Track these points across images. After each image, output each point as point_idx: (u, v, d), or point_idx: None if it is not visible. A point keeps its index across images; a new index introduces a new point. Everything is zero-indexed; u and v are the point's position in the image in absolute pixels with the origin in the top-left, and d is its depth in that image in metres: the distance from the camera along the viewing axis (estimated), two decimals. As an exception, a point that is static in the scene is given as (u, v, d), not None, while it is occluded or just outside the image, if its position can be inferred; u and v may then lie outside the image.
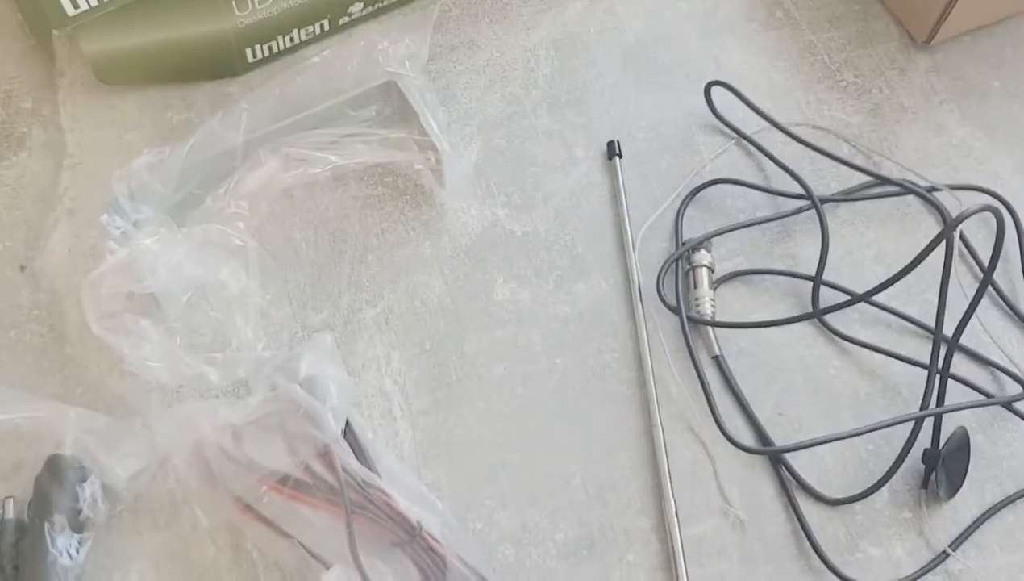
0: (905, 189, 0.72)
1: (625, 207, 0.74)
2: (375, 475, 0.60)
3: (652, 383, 0.67)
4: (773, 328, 0.68)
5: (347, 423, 0.62)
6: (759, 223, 0.73)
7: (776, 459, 0.64)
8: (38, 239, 0.71)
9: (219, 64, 0.76)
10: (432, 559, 0.58)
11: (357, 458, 0.60)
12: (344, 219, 0.73)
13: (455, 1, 0.83)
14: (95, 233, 0.69)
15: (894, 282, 0.59)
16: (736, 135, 0.77)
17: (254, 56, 0.77)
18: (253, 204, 0.71)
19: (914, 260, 0.58)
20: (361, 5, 0.79)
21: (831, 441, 0.63)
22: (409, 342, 0.69)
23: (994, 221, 0.60)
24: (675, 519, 0.62)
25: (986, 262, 0.67)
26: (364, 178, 0.75)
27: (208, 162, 0.70)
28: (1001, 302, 0.71)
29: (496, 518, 0.63)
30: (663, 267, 0.71)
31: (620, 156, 0.76)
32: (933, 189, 0.75)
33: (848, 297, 0.64)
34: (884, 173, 0.74)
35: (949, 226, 0.57)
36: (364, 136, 0.73)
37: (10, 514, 0.60)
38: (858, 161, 0.76)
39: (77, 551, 0.58)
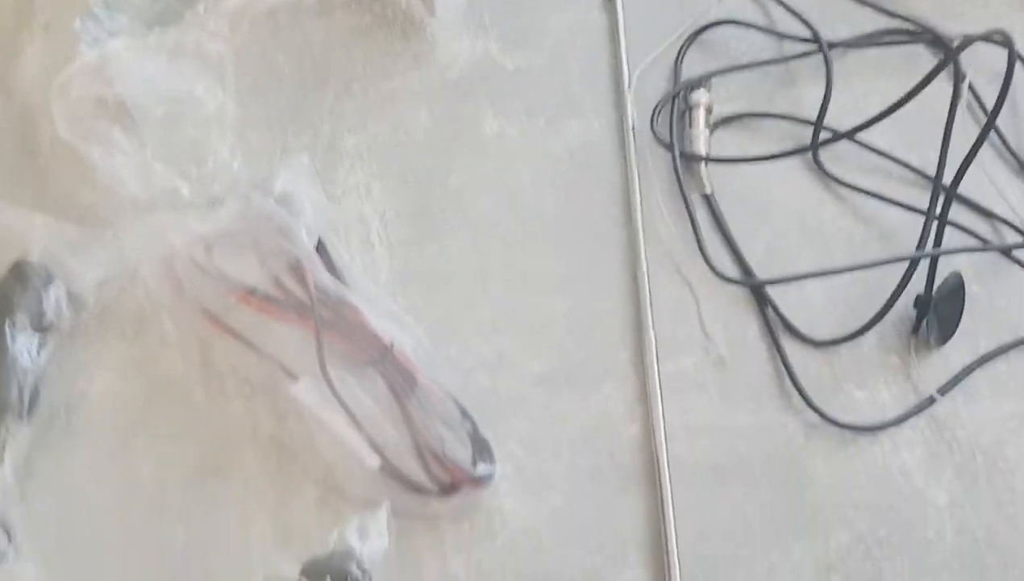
0: (914, 34, 0.69)
1: (624, 45, 0.71)
2: (346, 290, 0.59)
3: (640, 220, 0.65)
4: (769, 170, 0.66)
5: (320, 241, 0.60)
6: (762, 65, 0.70)
7: (761, 298, 0.62)
8: (13, 55, 0.68)
9: None
10: (403, 376, 0.57)
11: (329, 271, 0.59)
12: (329, 46, 0.70)
13: None
14: (69, 45, 0.66)
15: (889, 114, 0.57)
16: (743, -22, 0.74)
17: None
18: (234, 23, 0.68)
19: (913, 89, 0.56)
20: None
21: (817, 276, 0.61)
22: (391, 173, 0.67)
23: (1002, 78, 0.57)
24: (654, 351, 0.60)
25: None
26: (352, 5, 0.72)
27: (189, -24, 0.67)
28: (1007, 153, 0.68)
29: (472, 345, 0.61)
30: (658, 104, 0.68)
31: (621, -7, 0.73)
32: (944, 39, 0.72)
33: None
34: (895, 21, 0.71)
35: (954, 51, 0.54)
36: (353, -38, 0.70)
37: (-28, 315, 0.58)
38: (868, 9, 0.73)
39: (38, 352, 0.57)
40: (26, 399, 0.56)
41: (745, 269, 0.63)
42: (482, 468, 0.55)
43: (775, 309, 0.62)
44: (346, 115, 0.68)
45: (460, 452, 0.55)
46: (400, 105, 0.69)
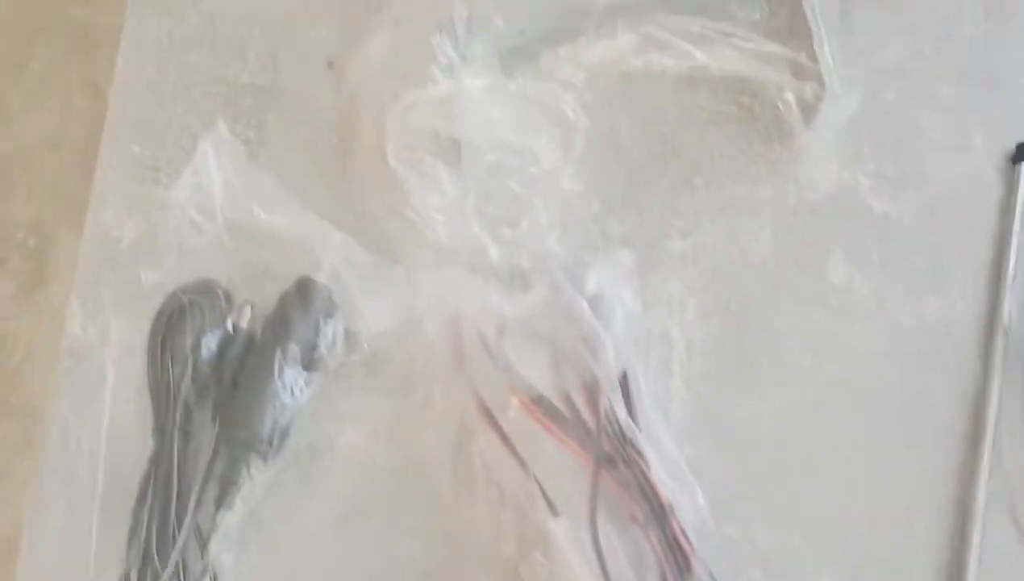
0: None
1: (1018, 223, 0.60)
2: (638, 434, 0.51)
3: (988, 440, 0.54)
4: None
5: (625, 373, 0.52)
6: None
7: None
8: (354, 39, 0.64)
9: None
10: (675, 554, 0.49)
11: (627, 409, 0.51)
12: (682, 127, 0.62)
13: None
14: (416, 51, 0.61)
15: None
16: None
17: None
18: (591, 77, 0.61)
19: None
20: None
21: None
22: (712, 292, 0.58)
23: None
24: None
25: None
26: (719, 89, 0.63)
27: (560, 13, 0.61)
28: None
29: (753, 530, 0.53)
30: (1048, 315, 0.57)
31: (1029, 163, 0.61)
32: None
33: None
34: None
35: None
36: (739, 39, 0.62)
37: (244, 322, 0.54)
38: None
39: (301, 391, 0.52)
40: (276, 441, 0.51)
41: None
42: None
43: None
44: (680, 210, 0.60)
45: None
46: (742, 215, 0.60)
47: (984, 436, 0.55)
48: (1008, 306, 0.58)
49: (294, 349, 0.52)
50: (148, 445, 0.53)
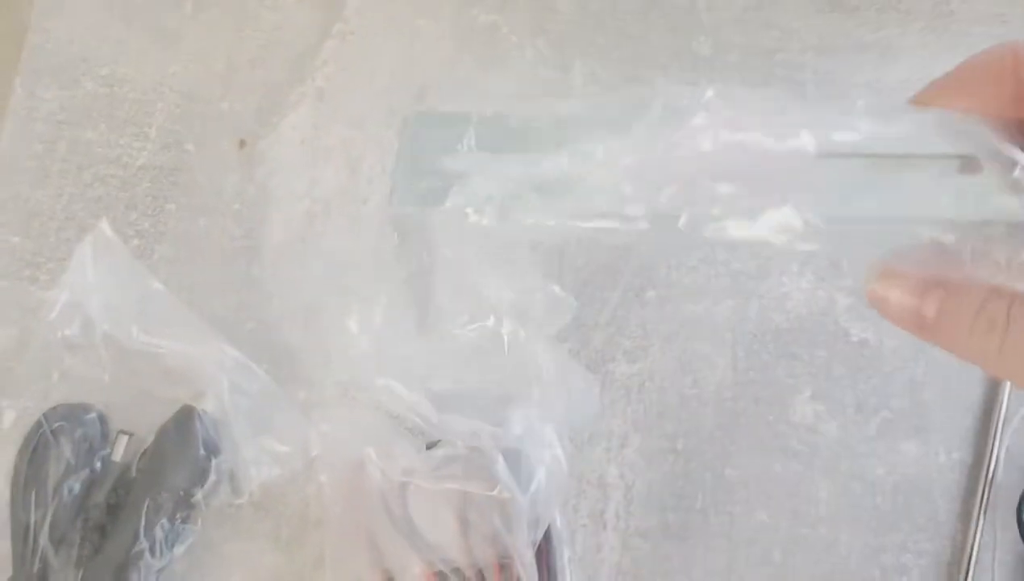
0: None
1: (1014, 363, 0.52)
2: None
3: (962, 630, 0.47)
4: None
5: (548, 533, 0.45)
6: None
7: None
8: (272, 113, 0.56)
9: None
10: None
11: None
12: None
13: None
14: (344, 132, 0.54)
15: None
16: None
17: None
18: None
19: None
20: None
21: None
22: (659, 429, 0.51)
23: None
24: None
25: None
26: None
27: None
28: None
29: None
30: (1041, 479, 0.50)
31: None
32: None
33: None
34: None
35: None
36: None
37: (118, 456, 0.48)
38: None
39: (172, 547, 0.46)
40: (138, 607, 0.45)
41: None
42: None
43: None
44: (629, 329, 0.53)
45: None
46: (698, 340, 0.53)
47: (961, 617, 0.48)
48: (995, 456, 0.50)
49: (167, 498, 0.46)
50: (3, 598, 0.46)
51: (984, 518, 0.49)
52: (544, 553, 0.45)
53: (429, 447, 0.47)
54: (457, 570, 0.44)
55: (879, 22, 0.59)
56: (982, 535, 0.49)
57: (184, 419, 0.47)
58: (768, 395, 0.52)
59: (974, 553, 0.49)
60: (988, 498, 0.49)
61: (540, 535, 0.45)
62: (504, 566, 0.44)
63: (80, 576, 0.46)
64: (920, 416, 0.52)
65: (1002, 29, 0.59)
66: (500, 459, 0.45)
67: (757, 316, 0.53)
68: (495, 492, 0.44)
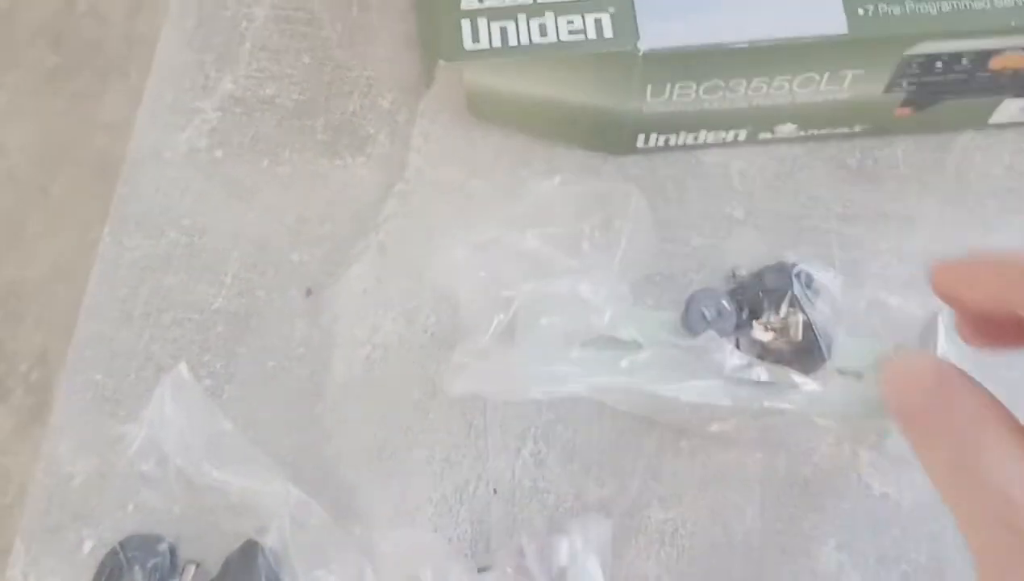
0: None
1: None
2: None
3: None
4: None
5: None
6: None
7: None
8: (337, 264, 0.62)
9: (600, 137, 0.63)
10: None
11: None
12: (673, 382, 0.59)
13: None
14: (397, 283, 0.59)
15: None
16: None
17: (645, 142, 0.63)
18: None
19: None
20: (794, 127, 0.63)
21: None
22: (690, 574, 0.54)
23: None
24: None
25: None
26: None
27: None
28: None
29: None
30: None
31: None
32: None
33: None
34: None
35: None
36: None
37: (187, 585, 0.51)
38: None
39: None
40: None
41: None
42: None
43: None
44: (663, 477, 0.57)
45: None
46: (729, 488, 0.56)
47: None
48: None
49: (229, 632, 0.49)
50: None
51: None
52: None
53: (481, 571, 0.50)
54: None
55: (900, 192, 0.63)
56: None
57: (248, 552, 0.51)
58: (794, 545, 0.55)
59: None
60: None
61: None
62: None
63: None
64: (937, 570, 0.54)
65: (1016, 201, 0.63)
66: (546, 592, 0.48)
67: (785, 468, 0.57)
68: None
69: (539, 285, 0.51)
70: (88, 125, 1.28)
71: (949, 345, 0.54)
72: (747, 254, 0.61)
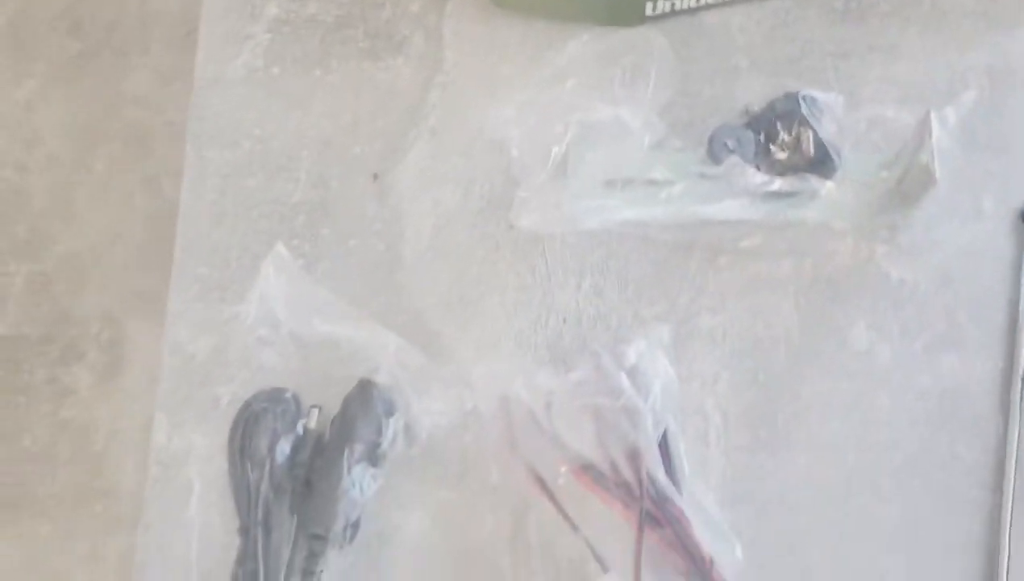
0: None
1: (1029, 282, 0.63)
2: (677, 494, 0.55)
3: (1011, 491, 0.57)
4: None
5: (665, 436, 0.57)
6: None
7: None
8: (395, 151, 0.69)
9: (614, 11, 0.71)
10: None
11: (666, 471, 0.56)
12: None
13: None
14: (450, 161, 0.66)
15: None
16: None
17: (653, 9, 0.71)
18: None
19: None
20: (782, -20, 0.70)
21: None
22: (742, 367, 0.63)
23: None
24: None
25: None
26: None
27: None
28: None
29: (791, 588, 0.57)
30: (1061, 369, 0.60)
31: (1035, 224, 0.65)
32: None
33: None
34: None
35: None
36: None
37: (313, 424, 0.60)
38: None
39: (368, 486, 0.58)
40: (349, 533, 0.57)
41: None
42: None
43: None
44: (707, 289, 0.65)
45: None
46: (765, 293, 0.64)
47: (1008, 482, 0.58)
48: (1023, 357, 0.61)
49: (359, 448, 0.57)
50: (234, 544, 0.58)
51: (1020, 409, 0.60)
52: (664, 447, 0.56)
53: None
54: (593, 465, 0.55)
55: (884, 27, 0.71)
56: (1020, 425, 0.59)
57: (364, 387, 0.59)
58: (828, 330, 0.63)
59: (1017, 439, 0.59)
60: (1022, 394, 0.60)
61: (661, 432, 0.56)
62: (631, 456, 0.55)
63: (295, 519, 0.58)
64: (956, 334, 0.63)
65: (987, 23, 0.71)
66: (623, 376, 0.57)
67: (812, 270, 0.65)
68: (621, 402, 0.56)
69: (586, 114, 0.59)
70: (117, 101, 1.35)
71: (942, 137, 0.61)
72: (756, 94, 0.68)
